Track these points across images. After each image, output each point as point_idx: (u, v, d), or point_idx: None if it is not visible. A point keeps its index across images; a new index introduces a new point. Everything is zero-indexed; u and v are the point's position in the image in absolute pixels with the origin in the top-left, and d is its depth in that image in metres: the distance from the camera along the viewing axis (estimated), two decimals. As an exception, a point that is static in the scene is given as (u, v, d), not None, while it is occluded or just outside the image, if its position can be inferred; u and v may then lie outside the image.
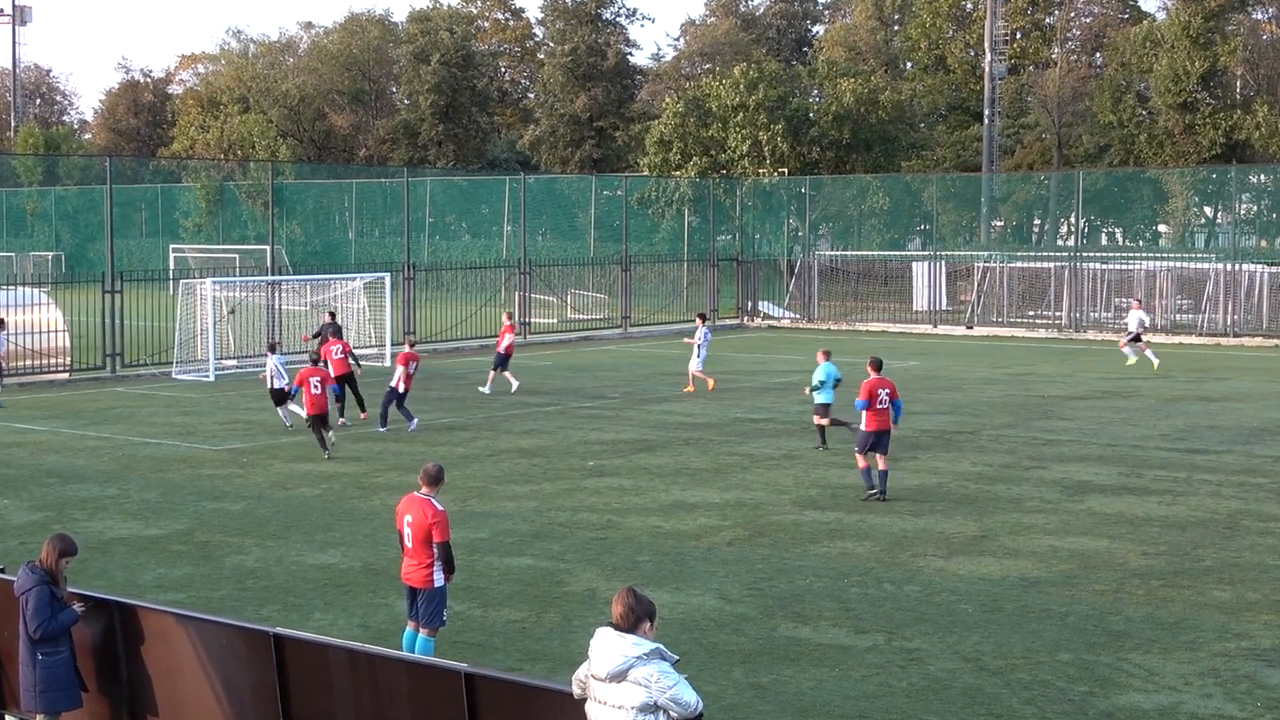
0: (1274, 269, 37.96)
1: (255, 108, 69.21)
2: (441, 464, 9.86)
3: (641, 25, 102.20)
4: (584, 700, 6.14)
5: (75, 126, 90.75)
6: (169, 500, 15.68)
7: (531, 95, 78.89)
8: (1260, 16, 56.77)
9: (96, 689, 8.13)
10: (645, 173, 52.96)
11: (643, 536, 13.88)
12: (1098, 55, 63.04)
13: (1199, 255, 42.88)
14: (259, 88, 70.38)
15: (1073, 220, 49.70)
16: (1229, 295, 37.30)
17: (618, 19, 71.27)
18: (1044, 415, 22.46)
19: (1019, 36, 63.34)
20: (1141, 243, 50.01)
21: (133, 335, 29.06)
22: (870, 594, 11.79)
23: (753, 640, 10.52)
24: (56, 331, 27.95)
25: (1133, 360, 29.40)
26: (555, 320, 40.08)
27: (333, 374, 21.13)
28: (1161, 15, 58.59)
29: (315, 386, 18.65)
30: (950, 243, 48.16)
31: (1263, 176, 47.78)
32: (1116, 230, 52.38)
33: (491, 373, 25.05)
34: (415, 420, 20.59)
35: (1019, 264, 42.02)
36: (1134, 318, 30.24)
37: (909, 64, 68.23)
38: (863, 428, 15.56)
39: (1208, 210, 51.74)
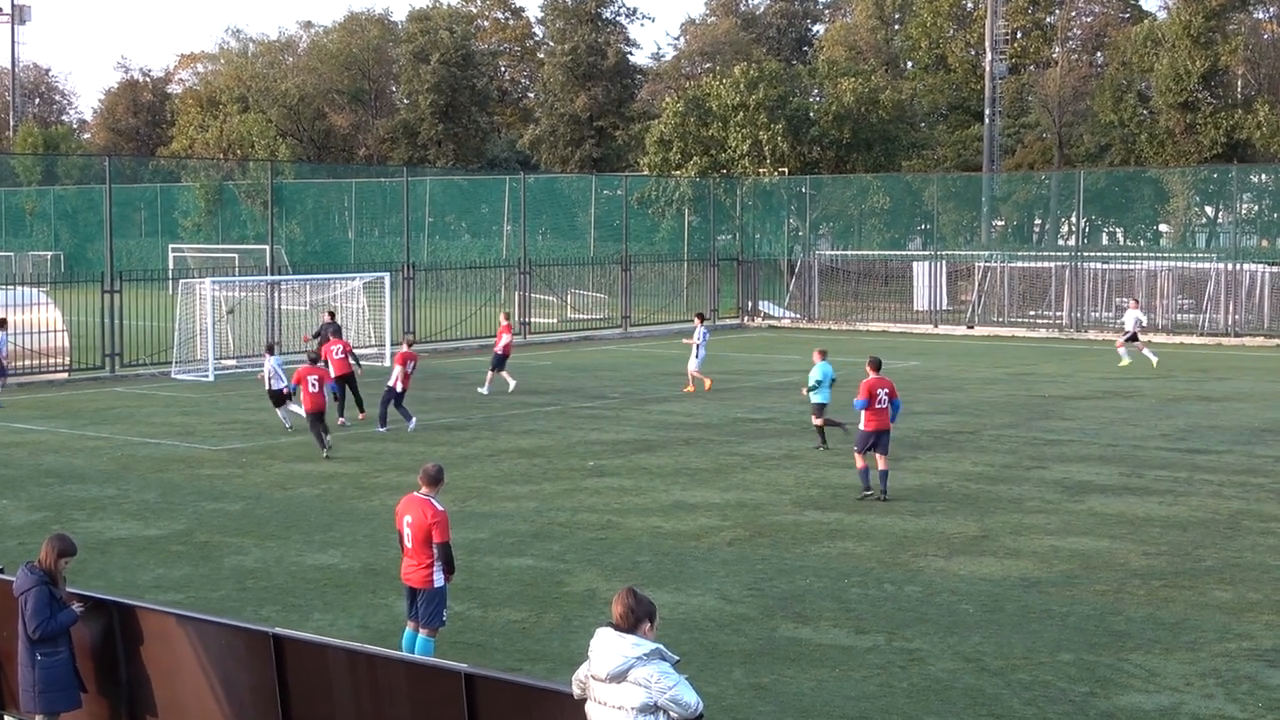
0: (1275, 269, 37.94)
1: (255, 107, 69.20)
2: (441, 464, 9.85)
3: (641, 24, 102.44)
4: (584, 701, 6.13)
5: (74, 126, 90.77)
6: (168, 500, 15.66)
7: (531, 95, 78.91)
8: (1261, 15, 56.77)
9: (95, 689, 8.11)
10: (645, 172, 52.96)
11: (643, 537, 13.86)
12: (1099, 54, 63.04)
13: (1200, 255, 42.86)
14: (258, 87, 70.38)
15: (1073, 220, 49.68)
16: (1230, 295, 37.28)
17: (618, 18, 71.30)
18: (1045, 415, 22.44)
19: (1020, 36, 63.33)
20: (1142, 242, 50.00)
21: (132, 335, 29.04)
22: (871, 594, 11.77)
23: (753, 641, 10.50)
24: (55, 331, 27.93)
25: (1125, 362, 29.36)
26: (555, 320, 40.06)
27: (333, 374, 21.14)
28: (1162, 14, 58.61)
29: (313, 385, 18.67)
30: (951, 242, 48.15)
31: (1264, 176, 47.77)
32: (1117, 230, 52.37)
33: (489, 373, 25.04)
34: (414, 420, 20.57)
35: (1020, 264, 42.01)
36: (1130, 317, 30.23)
37: (909, 63, 68.22)
38: (861, 427, 15.55)
39: (1209, 210, 51.72)
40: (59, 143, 75.21)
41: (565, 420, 21.81)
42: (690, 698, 5.93)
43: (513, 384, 24.85)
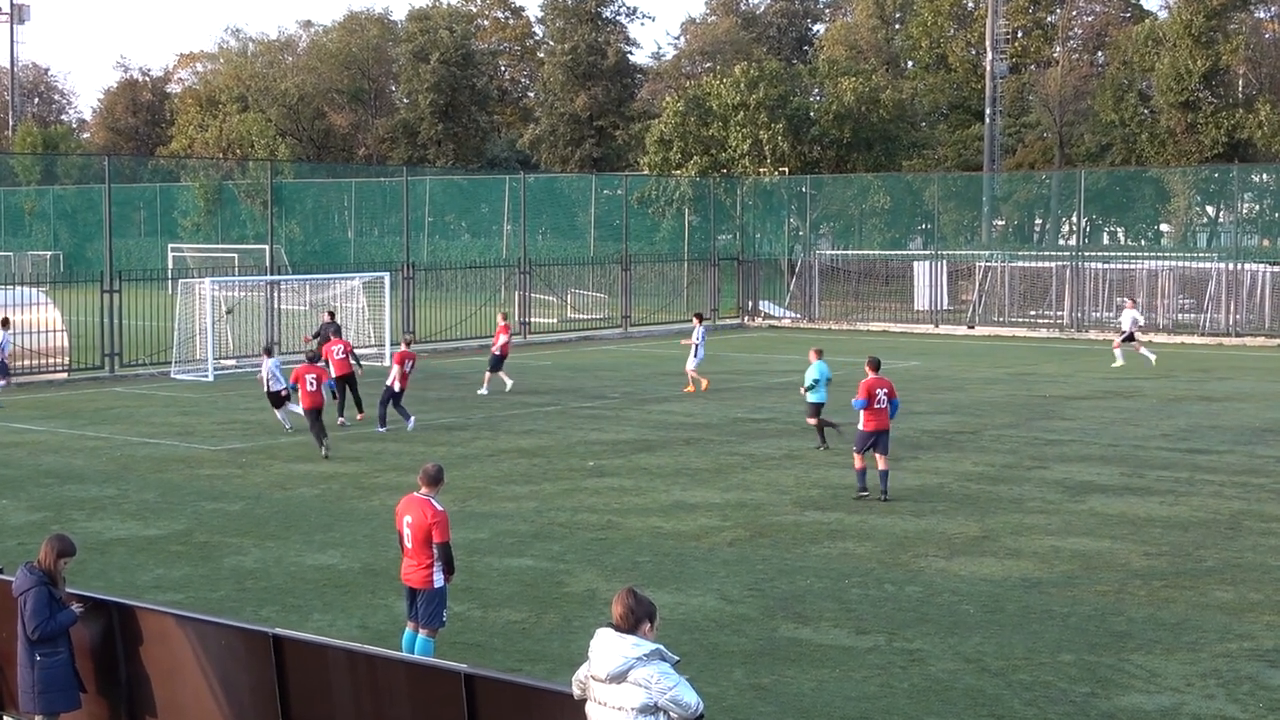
0: (1276, 268, 37.92)
1: (254, 107, 69.19)
2: (441, 464, 9.84)
3: (642, 24, 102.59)
4: (584, 701, 6.12)
5: (73, 125, 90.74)
6: (167, 500, 15.65)
7: (531, 94, 78.89)
8: (1263, 15, 56.74)
9: (95, 690, 8.10)
10: (645, 172, 52.94)
11: (643, 537, 13.84)
12: (1099, 54, 63.01)
13: (1201, 255, 42.83)
14: (258, 87, 70.36)
15: (1074, 219, 49.67)
16: (1231, 295, 37.25)
17: (618, 17, 71.29)
18: (1046, 415, 22.43)
19: (1020, 35, 63.31)
20: (1143, 242, 49.99)
21: (131, 335, 29.02)
22: (871, 595, 11.75)
23: (753, 641, 10.48)
24: (55, 331, 27.92)
25: (1119, 363, 29.30)
26: (555, 320, 40.04)
27: (333, 374, 21.17)
28: (1163, 14, 58.58)
29: (311, 383, 18.70)
30: (951, 242, 48.13)
31: (1265, 175, 47.75)
32: (1118, 229, 52.35)
33: (487, 374, 25.02)
34: (412, 419, 20.56)
35: (1020, 263, 41.98)
36: (1127, 317, 30.21)
37: (910, 63, 68.18)
38: (861, 428, 15.54)
39: (1210, 209, 51.69)
40: (58, 142, 75.19)
41: (565, 420, 21.79)
42: (690, 698, 5.92)
43: (509, 384, 24.85)
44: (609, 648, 6.00)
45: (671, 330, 38.71)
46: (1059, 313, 39.79)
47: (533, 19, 79.59)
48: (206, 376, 27.43)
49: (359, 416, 21.47)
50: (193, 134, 71.27)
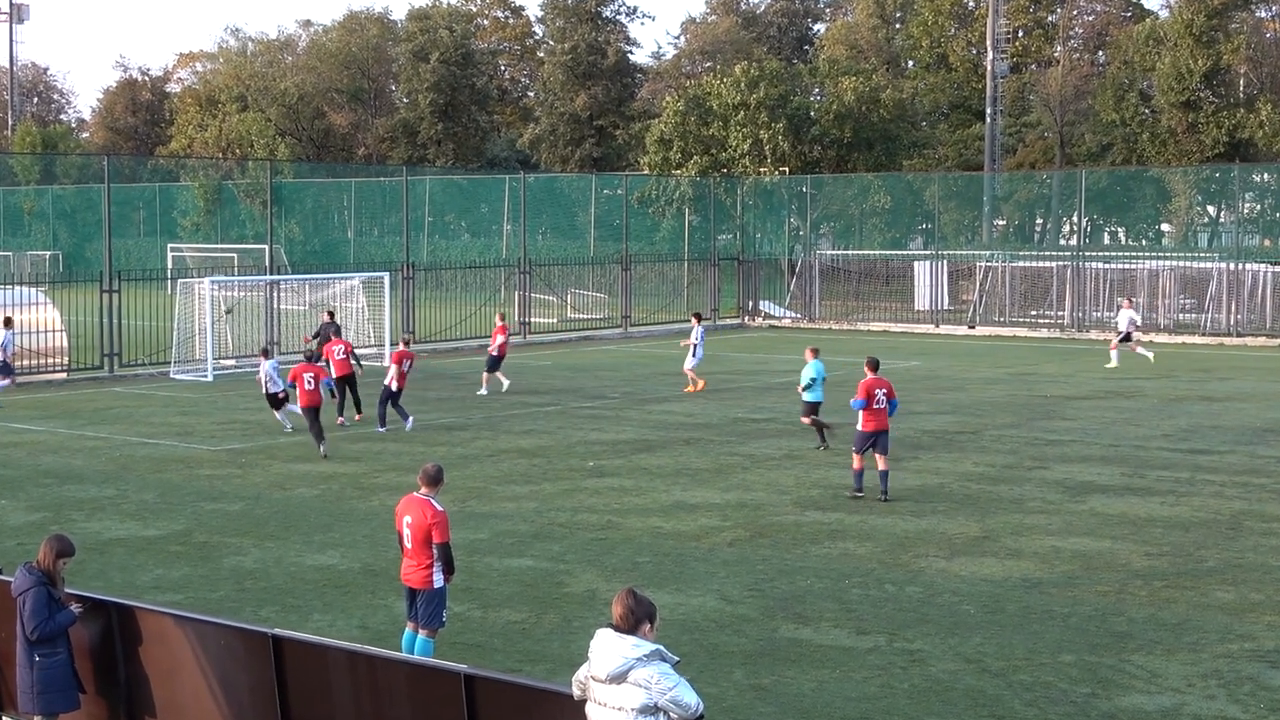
0: (1277, 268, 37.90)
1: (254, 106, 69.18)
2: (441, 464, 9.83)
3: (642, 23, 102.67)
4: (584, 702, 6.11)
5: (73, 125, 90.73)
6: (167, 501, 15.63)
7: (531, 94, 78.88)
8: (1264, 14, 56.71)
9: (94, 690, 8.09)
10: (645, 171, 52.94)
11: (643, 537, 13.83)
12: (1100, 53, 62.99)
13: (1202, 254, 42.81)
14: (257, 86, 70.35)
15: (1075, 219, 49.66)
16: (1232, 295, 37.23)
17: (618, 17, 71.28)
18: (1046, 415, 22.41)
19: (1021, 35, 63.30)
20: (1144, 242, 49.97)
21: (130, 335, 29.01)
22: (872, 595, 11.74)
23: (754, 641, 10.47)
24: (54, 331, 27.91)
25: (1113, 364, 29.25)
26: (555, 320, 40.02)
27: (334, 374, 21.18)
28: (1164, 13, 58.57)
29: (309, 382, 18.71)
30: (952, 242, 48.11)
31: (1266, 175, 47.72)
32: (1119, 229, 52.34)
33: (485, 374, 25.00)
34: (411, 419, 20.55)
35: (1021, 263, 41.96)
36: (1124, 317, 30.18)
37: (910, 62, 68.17)
38: (860, 428, 15.52)
39: (1211, 209, 51.67)
40: (57, 142, 75.17)
41: (565, 420, 21.78)
42: (690, 699, 5.91)
43: (506, 384, 24.82)
44: (609, 648, 5.99)
45: (671, 330, 38.69)
46: (1060, 313, 39.77)
47: (532, 18, 79.66)
48: (206, 377, 27.41)
49: (357, 417, 21.46)
50: (192, 134, 71.25)
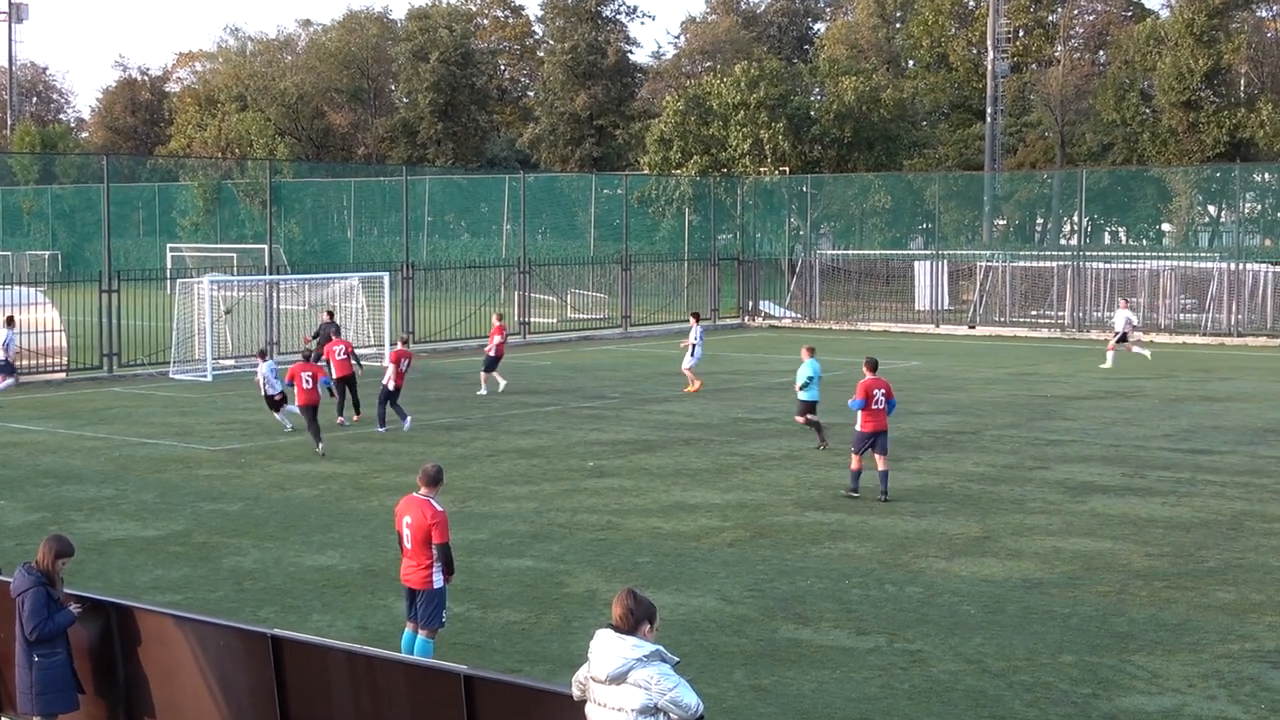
0: (1278, 268, 37.88)
1: (253, 106, 69.17)
2: (440, 464, 9.81)
3: (642, 23, 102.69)
4: (584, 702, 6.10)
5: (72, 125, 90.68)
6: (166, 501, 15.62)
7: (531, 93, 78.86)
8: (1265, 14, 56.70)
9: (93, 691, 8.08)
10: (645, 171, 52.92)
11: (643, 537, 13.81)
12: (1101, 53, 62.97)
13: (1203, 254, 42.80)
14: (257, 86, 70.34)
15: (1076, 219, 49.64)
16: (1233, 295, 37.22)
17: (618, 16, 71.25)
18: (1047, 415, 22.40)
19: (1021, 34, 63.28)
20: (1145, 242, 49.95)
21: (130, 335, 28.99)
22: (872, 595, 11.72)
23: (754, 642, 10.45)
24: (53, 331, 27.89)
25: (1108, 365, 29.19)
26: (555, 320, 40.00)
27: (334, 374, 21.18)
28: (1165, 13, 58.57)
29: (307, 381, 18.72)
30: (952, 242, 48.10)
31: (1267, 175, 47.71)
32: (1120, 229, 52.32)
33: (483, 374, 24.99)
34: (409, 419, 20.55)
35: (1022, 263, 41.94)
36: (1120, 317, 30.16)
37: (911, 62, 68.15)
38: (859, 428, 15.51)
39: (1211, 209, 51.66)
40: (56, 142, 75.13)
41: (565, 420, 21.76)
42: (691, 699, 5.90)
43: (502, 384, 24.80)
44: (609, 649, 5.97)
45: (671, 330, 38.66)
46: (1060, 313, 39.75)
47: (532, 18, 79.65)
48: (205, 377, 27.40)
49: (355, 418, 21.44)
50: (191, 133, 71.25)
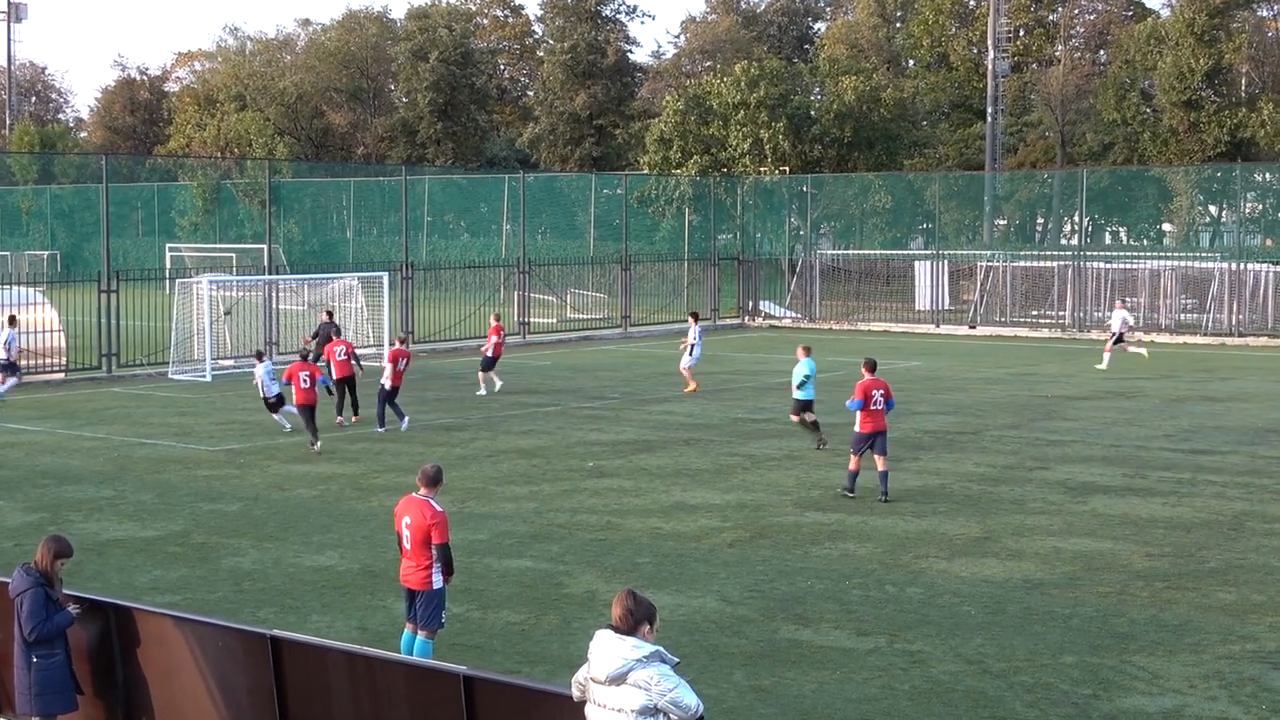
0: (1279, 268, 37.84)
1: (252, 105, 69.17)
2: (440, 465, 9.79)
3: (642, 22, 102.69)
4: (583, 703, 6.08)
5: (71, 124, 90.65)
6: (165, 501, 15.60)
7: (531, 93, 78.86)
8: (1265, 14, 56.68)
9: (92, 692, 8.06)
10: (645, 171, 52.91)
11: (643, 538, 13.79)
12: (1101, 53, 62.97)
13: (1204, 254, 42.79)
14: (256, 85, 70.33)
15: (1076, 219, 49.62)
16: (1234, 294, 37.20)
17: (618, 16, 71.24)
18: (1047, 416, 22.38)
19: (1022, 34, 63.27)
20: (1146, 242, 49.94)
21: (129, 335, 28.97)
22: (872, 596, 11.70)
23: (754, 642, 10.43)
24: (52, 331, 27.87)
25: (1103, 366, 29.14)
26: (555, 320, 39.99)
27: (335, 375, 21.18)
28: (1166, 12, 58.56)
29: (305, 381, 18.70)
30: (953, 242, 48.08)
31: (1268, 175, 47.69)
32: (1120, 229, 52.31)
33: (480, 375, 24.97)
34: (406, 419, 20.54)
35: (1022, 263, 41.93)
36: (1117, 318, 30.14)
37: (911, 61, 68.15)
38: (857, 429, 15.50)
39: (1212, 209, 51.65)
40: (55, 141, 75.11)
41: (564, 421, 21.75)
42: (690, 700, 5.88)
43: (499, 384, 24.78)
44: (608, 649, 5.96)
45: (671, 330, 38.64)
46: (1061, 313, 39.73)
47: (532, 17, 79.65)
48: (204, 377, 27.38)
49: (354, 419, 21.42)
50: (190, 133, 71.24)
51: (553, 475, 17.00)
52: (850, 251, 46.92)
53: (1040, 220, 56.08)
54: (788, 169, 50.60)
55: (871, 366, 15.88)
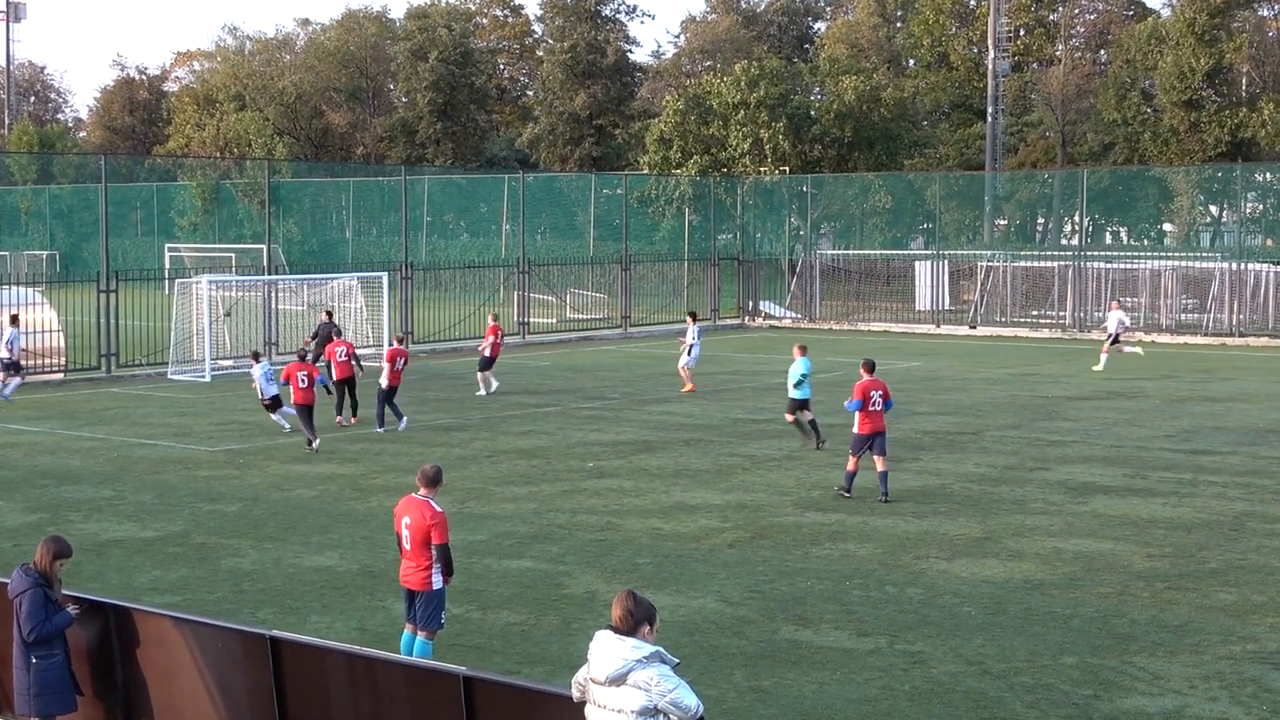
0: (1279, 268, 37.84)
1: (251, 105, 69.14)
2: (439, 465, 9.77)
3: (641, 22, 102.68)
4: (583, 704, 6.07)
5: (70, 124, 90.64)
6: (165, 502, 15.58)
7: (530, 93, 78.86)
8: (1266, 13, 56.67)
9: (91, 693, 8.05)
10: (645, 171, 52.90)
11: (643, 538, 13.78)
12: (1102, 52, 62.96)
13: (1204, 254, 42.77)
14: (255, 85, 70.31)
15: (1077, 219, 49.61)
16: (1234, 295, 37.19)
17: (617, 15, 71.22)
18: (1048, 416, 22.37)
19: (1022, 33, 63.24)
20: (1146, 242, 49.94)
21: (128, 335, 28.95)
22: (872, 596, 11.69)
23: (754, 643, 10.42)
24: (51, 331, 27.85)
25: (1100, 367, 29.10)
26: (554, 320, 39.98)
27: (335, 376, 21.18)
28: (1166, 12, 58.55)
29: (302, 380, 18.69)
30: (953, 242, 48.07)
31: (1268, 175, 47.68)
32: (1121, 229, 52.30)
33: (479, 375, 24.96)
34: (404, 419, 20.53)
35: (1023, 263, 41.93)
36: (1113, 318, 30.13)
37: (911, 61, 68.14)
38: (856, 430, 15.48)
39: (1213, 209, 51.64)
40: (54, 141, 75.10)
41: (564, 421, 21.73)
42: (690, 701, 5.87)
43: (495, 384, 24.77)
44: (608, 650, 5.94)
45: (671, 330, 38.61)
46: (1061, 313, 39.73)
47: (532, 17, 79.64)
48: (203, 377, 27.37)
49: (353, 420, 21.41)
50: (190, 133, 71.22)
51: (552, 476, 16.99)
52: (850, 251, 46.91)
53: (1041, 220, 56.07)
54: (788, 169, 50.59)
55: (870, 367, 15.86)
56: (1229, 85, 53.36)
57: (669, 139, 51.60)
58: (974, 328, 39.93)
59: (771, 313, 44.15)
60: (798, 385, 18.75)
